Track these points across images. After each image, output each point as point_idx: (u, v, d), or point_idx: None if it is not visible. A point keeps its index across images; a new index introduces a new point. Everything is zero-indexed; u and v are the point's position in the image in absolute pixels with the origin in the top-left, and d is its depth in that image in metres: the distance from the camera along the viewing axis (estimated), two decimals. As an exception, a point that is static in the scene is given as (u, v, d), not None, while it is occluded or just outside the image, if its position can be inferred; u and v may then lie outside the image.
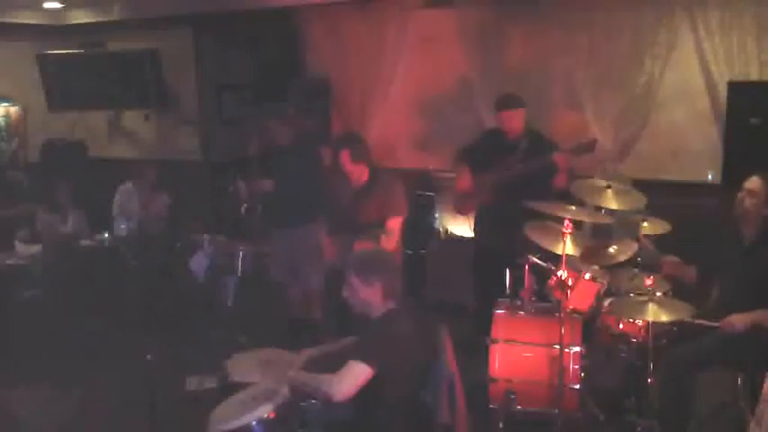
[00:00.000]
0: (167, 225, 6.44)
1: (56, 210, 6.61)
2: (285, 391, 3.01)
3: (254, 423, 2.93)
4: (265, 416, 2.94)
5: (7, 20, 7.67)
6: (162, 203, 6.55)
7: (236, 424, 2.94)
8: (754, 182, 3.71)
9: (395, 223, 4.43)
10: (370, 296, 3.03)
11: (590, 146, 4.76)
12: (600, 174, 5.24)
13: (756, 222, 3.73)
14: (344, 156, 4.45)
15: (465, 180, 5.01)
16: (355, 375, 2.87)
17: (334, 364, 3.08)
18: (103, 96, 7.92)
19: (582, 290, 4.09)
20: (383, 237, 4.30)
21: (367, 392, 2.89)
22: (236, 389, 3.23)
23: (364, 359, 2.87)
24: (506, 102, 4.87)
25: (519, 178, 4.73)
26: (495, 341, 4.04)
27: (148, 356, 4.10)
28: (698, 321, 3.67)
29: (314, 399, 3.09)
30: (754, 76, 5.19)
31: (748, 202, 3.71)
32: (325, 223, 4.79)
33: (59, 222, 6.56)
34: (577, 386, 3.91)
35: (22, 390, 4.70)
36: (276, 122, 5.11)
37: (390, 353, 2.91)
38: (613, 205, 4.14)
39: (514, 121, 4.83)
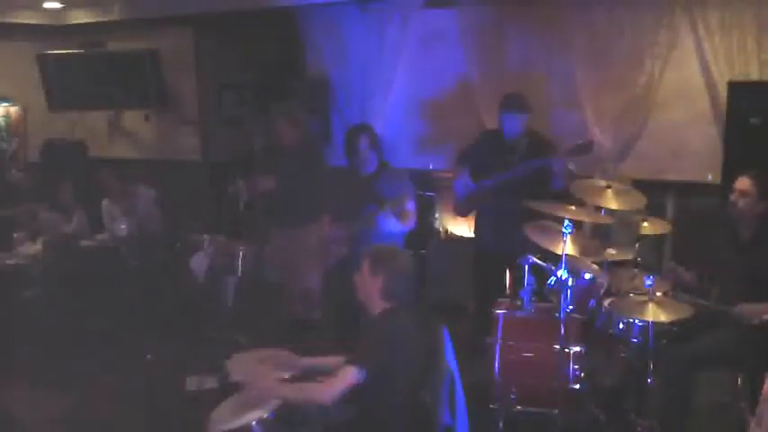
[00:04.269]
0: (164, 221, 6.38)
1: (59, 209, 6.59)
2: (274, 403, 3.00)
3: (254, 423, 2.93)
4: (265, 416, 2.95)
5: (7, 20, 7.67)
6: (146, 201, 6.35)
7: (236, 424, 2.94)
8: (743, 182, 3.76)
9: (411, 205, 4.49)
10: (372, 289, 3.05)
11: (587, 147, 4.73)
12: (600, 174, 5.25)
13: (752, 221, 3.78)
14: (362, 141, 4.54)
15: (464, 182, 5.00)
16: (344, 380, 2.85)
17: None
18: (103, 96, 7.92)
19: (582, 290, 4.08)
20: (404, 215, 4.37)
21: (367, 392, 2.88)
22: (237, 389, 3.23)
23: (356, 363, 2.87)
24: (512, 104, 4.81)
25: (518, 178, 4.73)
26: (495, 341, 4.04)
27: (148, 356, 4.10)
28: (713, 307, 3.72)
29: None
30: (754, 76, 5.19)
31: (741, 203, 3.76)
32: (332, 211, 4.79)
33: (62, 222, 6.54)
34: (577, 386, 3.90)
35: (22, 390, 4.70)
36: (281, 122, 5.12)
37: (386, 354, 2.90)
38: (613, 205, 4.14)
39: (517, 124, 4.80)
